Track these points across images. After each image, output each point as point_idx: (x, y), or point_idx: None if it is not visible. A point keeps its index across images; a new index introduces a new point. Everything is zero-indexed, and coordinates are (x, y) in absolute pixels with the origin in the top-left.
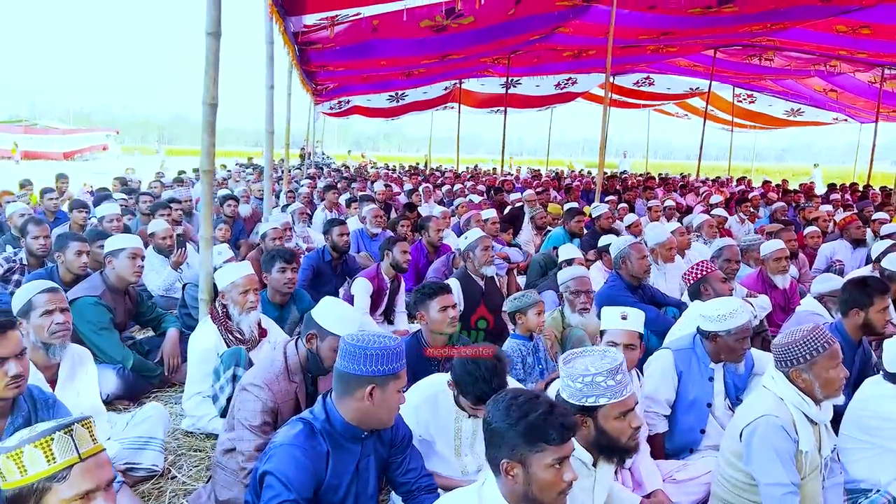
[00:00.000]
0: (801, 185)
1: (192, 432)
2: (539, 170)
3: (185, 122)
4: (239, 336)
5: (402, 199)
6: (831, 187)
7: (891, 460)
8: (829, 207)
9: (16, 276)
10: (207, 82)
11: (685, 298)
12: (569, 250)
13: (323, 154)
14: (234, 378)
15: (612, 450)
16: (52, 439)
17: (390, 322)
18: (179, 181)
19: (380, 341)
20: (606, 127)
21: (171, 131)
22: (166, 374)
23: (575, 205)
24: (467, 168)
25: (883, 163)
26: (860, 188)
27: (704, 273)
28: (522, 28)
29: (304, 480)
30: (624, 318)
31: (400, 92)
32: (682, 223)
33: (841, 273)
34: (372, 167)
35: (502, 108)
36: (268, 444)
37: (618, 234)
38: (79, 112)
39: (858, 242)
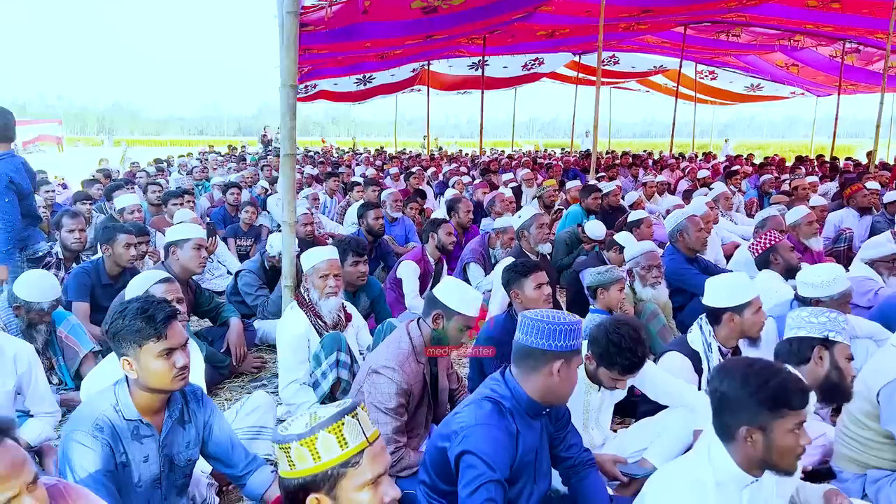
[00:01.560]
0: (765, 158)
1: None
2: (503, 150)
3: (123, 112)
4: (326, 320)
5: (388, 182)
6: (799, 159)
7: None
8: (813, 178)
9: (52, 271)
10: (287, 63)
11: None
12: (601, 228)
13: None
14: (338, 363)
15: (836, 388)
16: (343, 423)
17: None
18: (160, 170)
19: (563, 317)
20: (598, 106)
21: (111, 121)
22: (234, 363)
23: (577, 182)
24: (430, 151)
25: (821, 136)
26: (826, 160)
27: (773, 242)
28: (508, 7)
29: (504, 460)
30: None
31: (367, 75)
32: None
33: (851, 241)
34: (337, 152)
35: (470, 91)
36: (452, 426)
37: (625, 210)
38: (11, 103)
39: (864, 210)
